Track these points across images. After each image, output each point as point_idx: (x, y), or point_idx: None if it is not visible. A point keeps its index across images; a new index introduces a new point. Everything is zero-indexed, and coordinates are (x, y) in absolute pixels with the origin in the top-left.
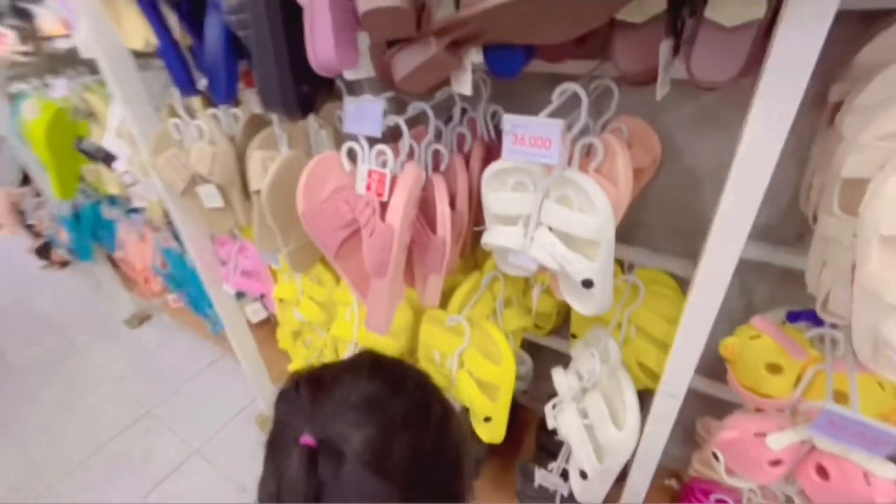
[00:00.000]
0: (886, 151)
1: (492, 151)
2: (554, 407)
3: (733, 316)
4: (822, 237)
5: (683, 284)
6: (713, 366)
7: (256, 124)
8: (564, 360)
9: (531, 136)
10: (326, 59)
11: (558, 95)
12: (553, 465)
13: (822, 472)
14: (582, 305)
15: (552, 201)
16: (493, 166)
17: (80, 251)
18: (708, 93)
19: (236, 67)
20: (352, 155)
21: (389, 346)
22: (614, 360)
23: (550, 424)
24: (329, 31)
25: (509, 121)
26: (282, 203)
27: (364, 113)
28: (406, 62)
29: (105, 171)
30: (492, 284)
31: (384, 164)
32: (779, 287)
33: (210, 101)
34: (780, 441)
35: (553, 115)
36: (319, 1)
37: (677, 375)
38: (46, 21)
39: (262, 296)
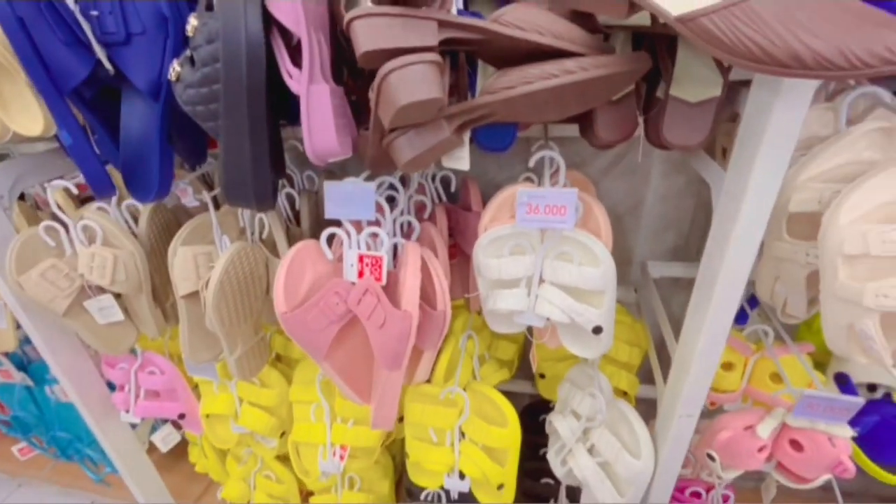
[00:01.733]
0: (819, 190)
1: (450, 214)
2: (557, 453)
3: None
4: (773, 257)
5: (629, 308)
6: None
7: (160, 216)
8: (520, 401)
9: (547, 205)
10: (325, 148)
11: (534, 162)
12: None
13: (796, 445)
14: (586, 350)
15: (552, 259)
16: (489, 235)
17: None
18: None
19: (172, 159)
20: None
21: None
22: (608, 394)
23: (559, 471)
24: (330, 119)
25: (524, 193)
26: (230, 304)
27: (352, 196)
28: (414, 145)
29: None
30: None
31: (377, 247)
32: None
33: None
34: (767, 428)
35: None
36: (319, 89)
37: (694, 396)
38: None
39: (182, 416)
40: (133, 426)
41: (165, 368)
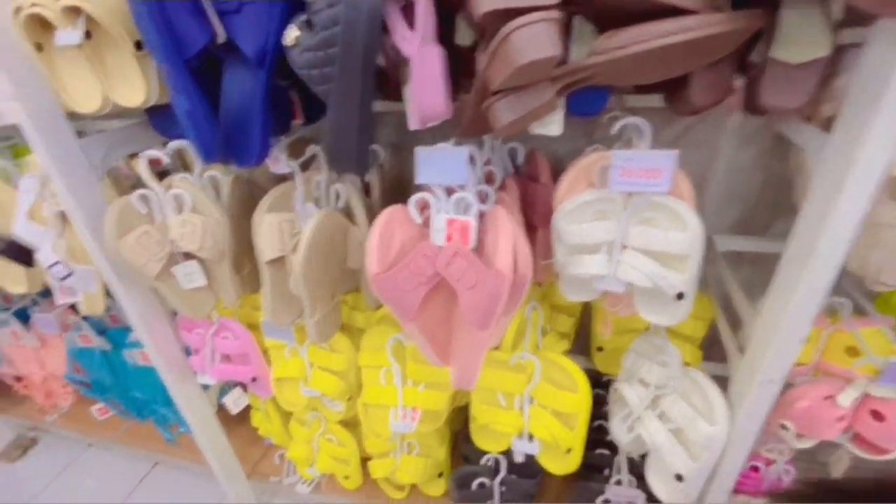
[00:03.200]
0: None
1: (518, 186)
2: (623, 420)
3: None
4: (872, 224)
5: None
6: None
7: (240, 187)
8: None
9: (644, 168)
10: (433, 110)
11: (618, 128)
12: (620, 478)
13: (878, 415)
14: (662, 317)
15: (636, 224)
16: (574, 201)
17: None
18: (691, 117)
19: (271, 125)
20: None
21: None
22: (678, 362)
23: (623, 438)
24: (441, 81)
25: (619, 156)
26: (314, 269)
27: (442, 161)
28: (515, 108)
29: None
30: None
31: (465, 211)
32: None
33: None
34: (848, 398)
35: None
36: (431, 51)
37: (780, 362)
38: None
39: (254, 379)
40: (205, 388)
41: (240, 333)
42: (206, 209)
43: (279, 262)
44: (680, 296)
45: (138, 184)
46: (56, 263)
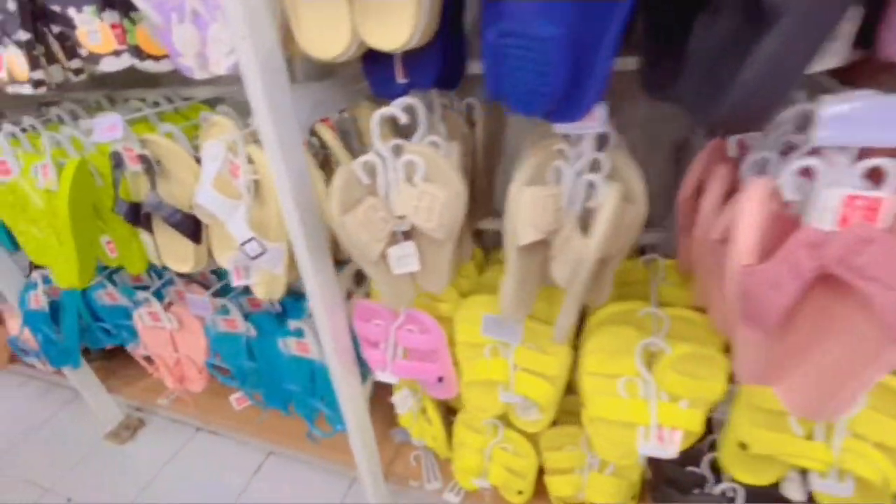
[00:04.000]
0: None
1: None
2: None
3: None
4: None
5: None
6: None
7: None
8: None
9: None
10: None
11: None
12: None
13: None
14: None
15: None
16: None
17: (56, 355)
18: None
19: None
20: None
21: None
22: None
23: None
24: None
25: None
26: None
27: (877, 115)
28: None
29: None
30: None
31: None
32: None
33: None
34: None
35: None
36: None
37: None
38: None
39: (440, 379)
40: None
41: (430, 327)
42: (446, 179)
43: (531, 247)
44: None
45: (319, 151)
46: (251, 240)
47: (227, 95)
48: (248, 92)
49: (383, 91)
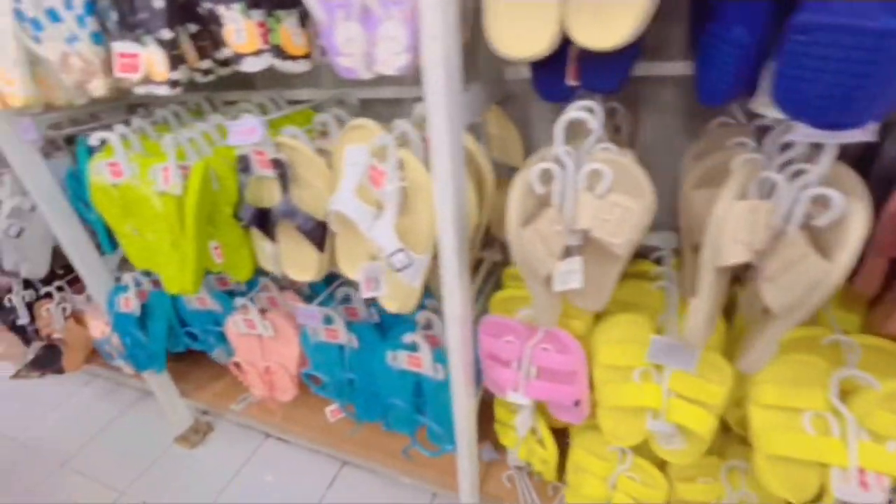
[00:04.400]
0: None
1: None
2: None
3: None
4: None
5: None
6: None
7: None
8: None
9: None
10: None
11: None
12: None
13: None
14: None
15: None
16: None
17: (143, 359)
18: None
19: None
20: None
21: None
22: None
23: None
24: None
25: None
26: None
27: None
28: None
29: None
30: None
31: None
32: None
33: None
34: None
35: None
36: None
37: None
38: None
39: (577, 403)
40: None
41: (571, 347)
42: (640, 190)
43: (725, 267)
44: None
45: None
46: (400, 251)
47: (335, 98)
48: (428, 94)
49: (550, 93)
